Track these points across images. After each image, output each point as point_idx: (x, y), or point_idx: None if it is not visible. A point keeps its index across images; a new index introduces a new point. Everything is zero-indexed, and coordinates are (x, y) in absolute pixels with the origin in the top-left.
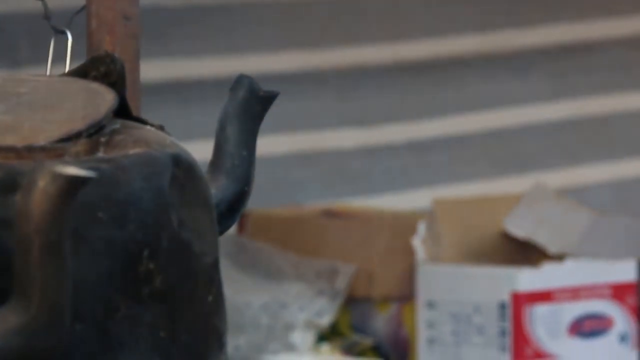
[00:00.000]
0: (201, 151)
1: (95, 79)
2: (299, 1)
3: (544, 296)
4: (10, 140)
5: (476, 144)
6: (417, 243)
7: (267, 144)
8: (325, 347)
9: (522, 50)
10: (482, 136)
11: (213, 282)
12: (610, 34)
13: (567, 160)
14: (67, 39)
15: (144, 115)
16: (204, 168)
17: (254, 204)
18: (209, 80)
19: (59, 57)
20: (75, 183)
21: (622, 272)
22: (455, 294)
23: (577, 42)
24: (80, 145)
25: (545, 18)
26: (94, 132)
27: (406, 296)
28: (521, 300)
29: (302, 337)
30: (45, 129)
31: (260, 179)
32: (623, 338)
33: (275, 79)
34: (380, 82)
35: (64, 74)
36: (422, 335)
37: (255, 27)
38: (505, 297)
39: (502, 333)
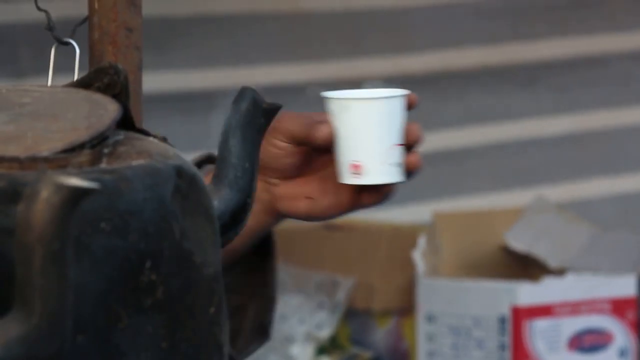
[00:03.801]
0: None
1: (99, 89)
2: (303, 13)
3: (543, 310)
4: (13, 150)
5: (479, 157)
6: (417, 256)
7: None
8: None
9: (526, 64)
10: (485, 149)
11: (215, 293)
12: (613, 49)
13: (570, 174)
14: (69, 49)
15: (148, 127)
16: None
17: None
18: (213, 92)
19: (61, 68)
20: (77, 194)
21: (622, 287)
22: (455, 308)
23: (580, 57)
24: (84, 156)
25: (549, 32)
26: (97, 143)
27: (406, 309)
28: (521, 315)
29: (302, 350)
30: (48, 140)
31: None
32: (623, 353)
33: (279, 90)
34: None
35: (67, 85)
36: (421, 349)
37: (260, 39)
38: (505, 311)
39: (502, 347)
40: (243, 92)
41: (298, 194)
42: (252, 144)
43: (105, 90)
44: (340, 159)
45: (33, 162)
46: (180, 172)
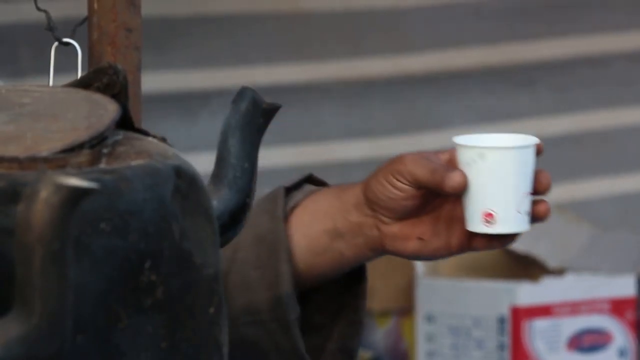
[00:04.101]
0: (205, 163)
1: (98, 90)
2: (303, 13)
3: (543, 310)
4: (13, 150)
5: None
6: None
7: (273, 156)
8: None
9: (525, 65)
10: None
11: (214, 293)
12: (613, 49)
13: (569, 175)
14: (69, 49)
15: (147, 127)
16: (208, 180)
17: None
18: (213, 92)
19: (61, 68)
20: (77, 194)
21: (622, 287)
22: (454, 308)
23: (580, 57)
24: (83, 156)
25: (549, 32)
26: (97, 143)
27: (405, 309)
28: (520, 315)
29: None
30: (48, 140)
31: (264, 190)
32: (622, 353)
33: (281, 90)
34: (386, 95)
35: (67, 85)
36: (421, 349)
37: (261, 38)
38: (505, 311)
39: (501, 347)
40: (242, 92)
41: (409, 234)
42: (251, 144)
43: (104, 90)
44: (471, 207)
45: (33, 162)
46: (179, 172)
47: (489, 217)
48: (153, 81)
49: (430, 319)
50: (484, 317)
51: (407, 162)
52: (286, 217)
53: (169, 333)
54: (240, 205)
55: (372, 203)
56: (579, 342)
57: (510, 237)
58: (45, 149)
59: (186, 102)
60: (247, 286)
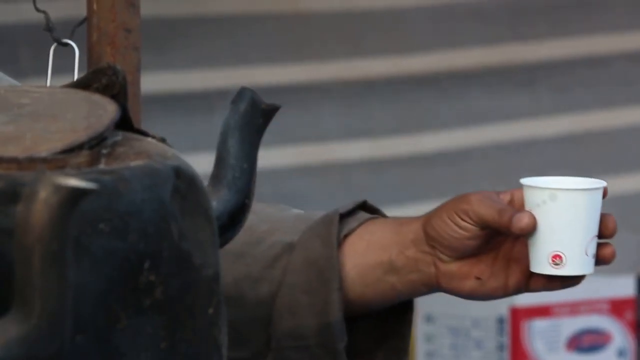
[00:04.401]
0: (205, 163)
1: (97, 90)
2: (303, 13)
3: (542, 311)
4: (12, 150)
5: (480, 157)
6: None
7: (272, 156)
8: None
9: (525, 65)
10: (485, 150)
11: (213, 294)
12: (613, 49)
13: (569, 174)
14: (68, 50)
15: (148, 127)
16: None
17: None
18: (213, 93)
19: (60, 69)
20: (76, 194)
21: (621, 287)
22: (453, 308)
23: (580, 57)
24: (82, 157)
25: (549, 32)
26: (96, 143)
27: None
28: (519, 315)
29: None
30: (47, 140)
31: (265, 190)
32: (621, 353)
33: (280, 90)
34: (386, 95)
35: (66, 86)
36: (420, 349)
37: (260, 39)
38: (504, 311)
39: (501, 347)
40: (241, 93)
41: (467, 274)
42: (250, 144)
43: (103, 90)
44: (538, 249)
45: (32, 162)
46: (178, 172)
47: (556, 259)
48: (153, 81)
49: (429, 319)
50: (483, 318)
51: (473, 202)
52: (339, 243)
53: (168, 333)
54: (240, 206)
55: (432, 240)
56: (578, 342)
57: (574, 280)
58: (44, 150)
59: (186, 103)
60: (295, 310)
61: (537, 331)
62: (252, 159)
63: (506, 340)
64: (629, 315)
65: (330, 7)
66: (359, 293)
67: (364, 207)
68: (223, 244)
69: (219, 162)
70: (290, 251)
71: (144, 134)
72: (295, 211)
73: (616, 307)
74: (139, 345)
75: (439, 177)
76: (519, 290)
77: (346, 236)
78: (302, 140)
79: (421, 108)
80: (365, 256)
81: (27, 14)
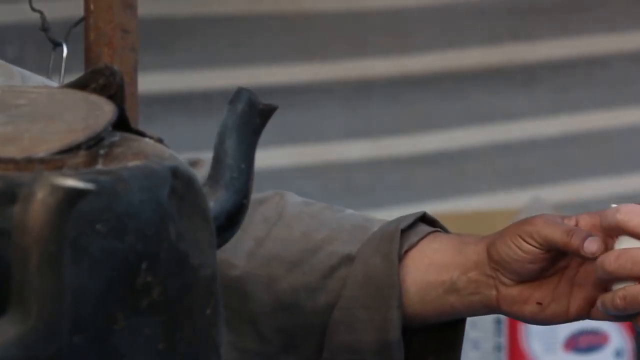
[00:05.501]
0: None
1: (94, 91)
2: (306, 14)
3: None
4: (9, 151)
5: (479, 157)
6: None
7: (273, 156)
8: None
9: (525, 65)
10: (485, 150)
11: (212, 294)
12: (613, 49)
13: (569, 175)
14: (69, 50)
15: (149, 128)
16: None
17: None
18: (215, 92)
19: (60, 69)
20: (73, 195)
21: None
22: None
23: (580, 57)
24: (80, 157)
25: (549, 32)
26: (94, 144)
27: None
28: None
29: None
30: (44, 141)
31: (265, 190)
32: (618, 354)
33: (282, 90)
34: (387, 95)
35: (63, 86)
36: None
37: (262, 38)
38: None
39: (498, 348)
40: (239, 93)
41: (528, 298)
42: (248, 145)
43: (100, 91)
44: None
45: (29, 163)
46: (176, 173)
47: None
48: (154, 82)
49: None
50: (480, 318)
51: (537, 224)
52: (400, 258)
53: (166, 334)
54: (238, 206)
55: (495, 263)
56: (575, 342)
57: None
58: (42, 150)
59: (188, 103)
60: (353, 325)
61: (535, 331)
62: (249, 159)
63: (504, 340)
64: None
65: (332, 7)
66: (416, 309)
67: (423, 218)
68: (221, 244)
69: (217, 163)
70: (349, 263)
71: (141, 134)
72: (349, 212)
73: None
74: (137, 346)
75: (439, 177)
76: (580, 317)
77: (407, 251)
78: (303, 140)
79: (421, 108)
80: (426, 273)
81: (28, 14)
